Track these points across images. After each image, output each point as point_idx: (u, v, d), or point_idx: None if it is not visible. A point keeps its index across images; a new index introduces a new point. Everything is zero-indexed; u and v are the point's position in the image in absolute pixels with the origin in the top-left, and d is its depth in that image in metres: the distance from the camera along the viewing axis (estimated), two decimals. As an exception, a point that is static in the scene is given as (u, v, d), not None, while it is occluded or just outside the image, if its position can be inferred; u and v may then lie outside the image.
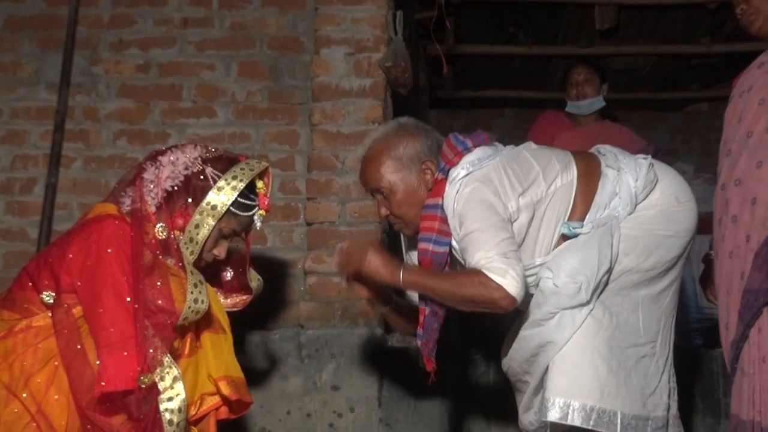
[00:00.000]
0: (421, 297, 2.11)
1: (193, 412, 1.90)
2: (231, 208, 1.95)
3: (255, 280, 2.19)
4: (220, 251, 2.01)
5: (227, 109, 3.37)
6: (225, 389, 1.92)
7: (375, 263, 2.06)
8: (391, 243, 3.04)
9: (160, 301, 1.78)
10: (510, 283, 1.91)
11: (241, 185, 1.95)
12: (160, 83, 3.39)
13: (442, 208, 2.07)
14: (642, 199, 2.10)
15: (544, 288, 2.00)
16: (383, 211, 2.19)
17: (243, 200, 1.98)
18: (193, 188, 1.92)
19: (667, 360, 2.11)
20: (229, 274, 2.16)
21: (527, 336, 2.04)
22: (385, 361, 3.02)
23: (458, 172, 2.08)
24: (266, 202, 2.05)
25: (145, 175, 1.92)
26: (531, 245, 2.08)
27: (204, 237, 1.93)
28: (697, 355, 3.04)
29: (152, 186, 1.91)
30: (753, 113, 1.87)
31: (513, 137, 5.68)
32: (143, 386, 1.72)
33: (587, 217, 2.07)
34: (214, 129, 3.35)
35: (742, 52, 3.92)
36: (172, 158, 1.94)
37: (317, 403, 2.97)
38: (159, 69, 3.40)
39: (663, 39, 4.94)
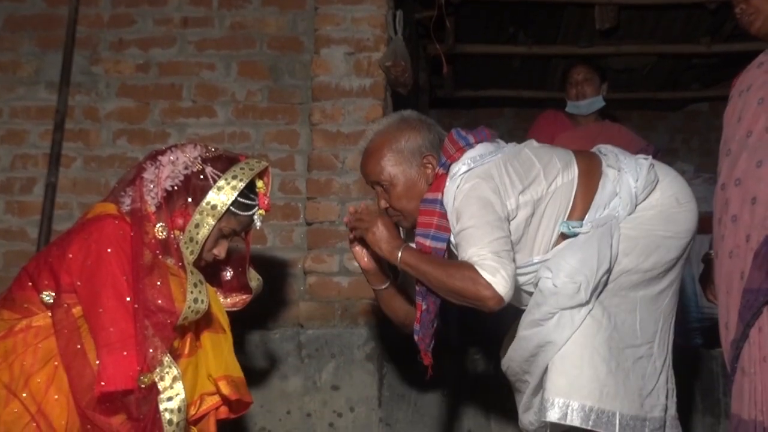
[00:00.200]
0: (418, 292, 2.10)
1: (192, 411, 1.90)
2: (231, 207, 1.95)
3: (255, 279, 2.19)
4: (220, 251, 2.01)
5: (227, 109, 3.37)
6: (225, 389, 1.92)
7: (380, 234, 2.07)
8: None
9: (159, 301, 1.78)
10: (499, 282, 1.91)
11: (241, 185, 1.95)
12: (160, 83, 3.39)
13: (441, 203, 2.07)
14: (642, 200, 2.10)
15: (543, 288, 2.00)
16: (383, 203, 2.18)
17: (243, 200, 1.97)
18: (193, 188, 1.92)
19: (665, 361, 2.10)
20: (228, 274, 2.16)
21: (526, 336, 2.04)
22: (385, 361, 3.03)
23: (459, 168, 2.08)
24: (266, 202, 2.05)
25: (145, 175, 1.92)
26: (530, 243, 2.08)
27: (204, 236, 1.93)
28: (697, 355, 3.04)
29: (152, 186, 1.91)
30: (752, 113, 1.87)
31: (513, 137, 5.63)
32: (143, 386, 1.72)
33: (587, 216, 2.07)
34: (214, 129, 3.35)
35: (742, 52, 3.92)
36: (171, 158, 1.94)
37: (317, 403, 2.97)
38: (159, 68, 3.40)
39: (663, 39, 4.93)
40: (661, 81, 5.68)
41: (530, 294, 2.08)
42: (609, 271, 2.01)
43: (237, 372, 1.98)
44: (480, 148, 2.12)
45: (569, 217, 2.08)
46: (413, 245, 2.11)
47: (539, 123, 3.98)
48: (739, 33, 4.06)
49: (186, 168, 1.93)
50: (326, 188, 3.18)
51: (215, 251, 2.00)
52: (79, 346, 1.74)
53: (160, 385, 1.77)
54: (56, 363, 1.76)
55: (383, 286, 2.25)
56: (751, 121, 1.87)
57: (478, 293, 1.92)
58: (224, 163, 1.98)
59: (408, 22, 3.76)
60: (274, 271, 3.14)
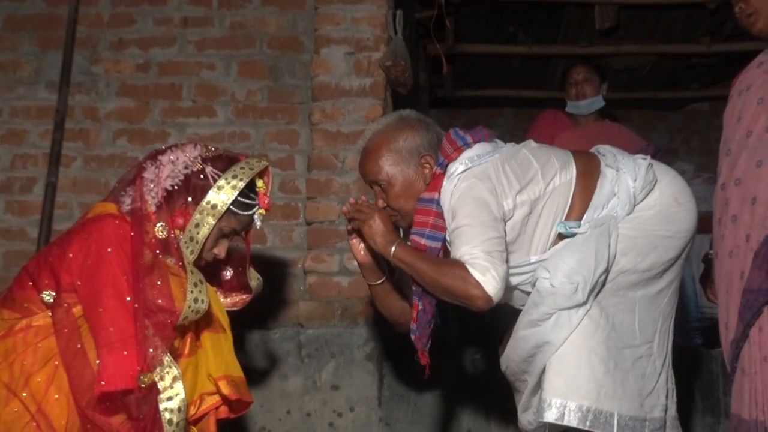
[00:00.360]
0: (415, 292, 2.10)
1: (192, 411, 1.90)
2: (231, 207, 1.95)
3: (255, 279, 2.19)
4: (220, 250, 2.01)
5: (227, 109, 3.37)
6: (225, 389, 1.92)
7: (376, 228, 2.07)
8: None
9: (160, 301, 1.78)
10: (489, 282, 1.91)
11: (241, 184, 1.95)
12: (160, 82, 3.39)
13: (438, 202, 2.07)
14: (641, 200, 2.10)
15: (541, 288, 1.99)
16: (381, 203, 2.19)
17: (243, 199, 1.97)
18: (193, 187, 1.92)
19: (665, 361, 2.10)
20: (228, 274, 2.16)
21: (524, 336, 2.04)
22: (385, 361, 3.03)
23: (456, 168, 2.08)
24: (266, 202, 2.05)
25: (145, 175, 1.92)
26: (527, 243, 2.07)
27: (204, 236, 1.93)
28: (697, 355, 3.05)
29: (152, 185, 1.91)
30: (752, 112, 1.87)
31: (513, 136, 5.64)
32: (143, 386, 1.72)
33: (585, 216, 2.07)
34: (214, 128, 3.35)
35: (742, 52, 3.91)
36: (172, 157, 1.94)
37: (317, 403, 2.98)
38: (159, 68, 3.40)
39: (663, 38, 4.93)
40: (661, 81, 5.68)
41: (527, 294, 2.08)
42: (607, 271, 2.01)
43: (237, 372, 1.98)
44: (478, 148, 2.12)
45: (567, 217, 2.08)
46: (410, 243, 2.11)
47: (539, 123, 3.98)
48: (739, 33, 4.05)
49: (186, 167, 1.93)
50: (326, 188, 3.18)
51: (215, 251, 2.00)
52: (79, 346, 1.74)
53: (160, 385, 1.77)
54: (56, 362, 1.75)
55: (378, 282, 2.25)
56: (751, 120, 1.86)
57: (468, 292, 1.92)
58: (224, 162, 1.98)
59: (408, 21, 3.76)
60: (274, 271, 3.14)
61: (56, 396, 1.74)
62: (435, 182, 2.11)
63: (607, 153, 2.19)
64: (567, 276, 1.96)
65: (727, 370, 1.89)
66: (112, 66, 3.41)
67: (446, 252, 2.10)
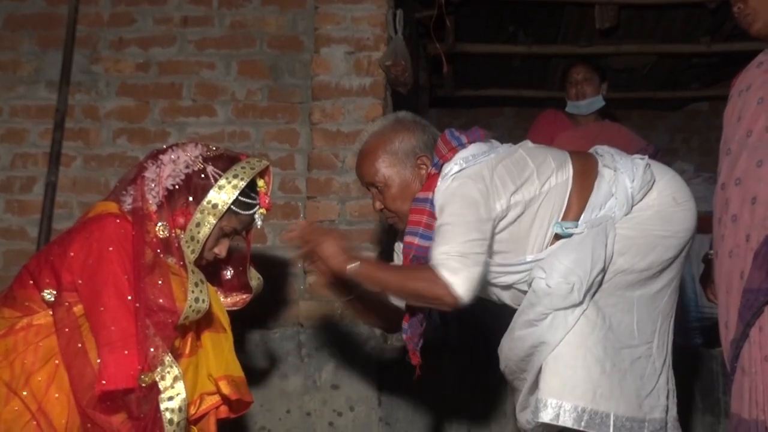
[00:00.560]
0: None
1: (192, 411, 1.90)
2: (232, 206, 1.95)
3: (255, 278, 2.19)
4: (221, 250, 2.01)
5: (227, 108, 3.37)
6: (225, 389, 1.92)
7: (329, 250, 2.03)
8: (391, 240, 3.04)
9: (161, 300, 1.78)
10: (458, 283, 1.93)
11: (242, 184, 1.95)
12: (160, 82, 3.39)
13: (431, 202, 2.07)
14: (639, 200, 2.09)
15: (537, 288, 1.99)
16: (378, 205, 2.20)
17: (244, 199, 1.98)
18: (194, 187, 1.92)
19: (665, 361, 2.09)
20: (229, 273, 2.16)
21: (521, 336, 2.04)
22: (385, 360, 3.03)
23: (451, 168, 2.08)
24: (267, 201, 2.05)
25: (147, 174, 1.92)
26: (522, 243, 2.07)
27: (205, 236, 1.93)
28: (697, 354, 3.04)
29: (153, 185, 1.91)
30: (752, 112, 1.87)
31: (513, 136, 5.68)
32: (144, 385, 1.72)
33: (582, 217, 2.06)
34: (214, 128, 3.35)
35: (742, 51, 3.91)
36: (173, 157, 1.94)
37: (317, 402, 2.98)
38: (159, 68, 3.40)
39: (663, 38, 4.93)
40: (661, 80, 5.68)
41: (523, 293, 2.08)
42: (603, 271, 2.01)
43: (237, 371, 1.98)
44: (473, 149, 2.12)
45: (564, 218, 2.07)
46: (401, 245, 2.11)
47: (539, 122, 3.98)
48: (739, 32, 4.05)
49: (187, 167, 1.93)
50: (326, 187, 3.18)
51: (216, 250, 2.00)
52: (80, 345, 1.74)
53: (161, 385, 1.77)
54: (57, 361, 1.75)
55: (350, 297, 2.24)
56: (751, 120, 1.87)
57: (435, 293, 1.94)
58: (225, 162, 1.98)
59: (408, 21, 3.76)
60: (275, 271, 3.14)
61: (57, 395, 1.74)
62: (430, 182, 2.11)
63: (605, 153, 2.19)
64: (563, 276, 1.96)
65: (727, 370, 1.89)
66: (112, 65, 3.41)
67: None
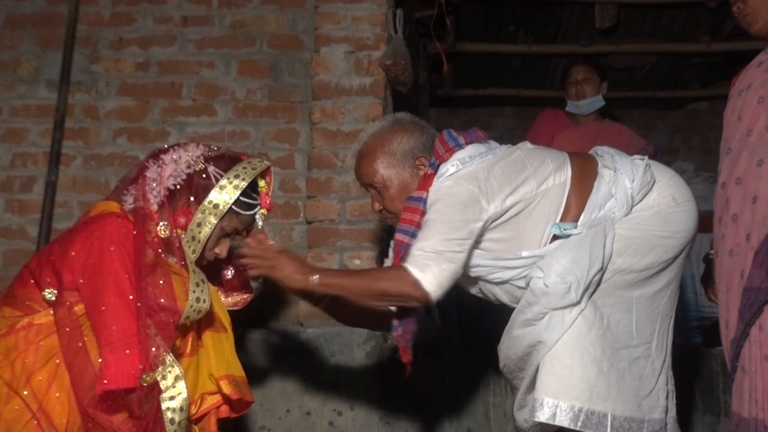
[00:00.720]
0: None
1: (193, 410, 1.90)
2: (233, 206, 1.95)
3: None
4: (222, 250, 2.01)
5: (227, 108, 3.37)
6: (226, 388, 1.92)
7: (284, 271, 2.00)
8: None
9: (162, 300, 1.78)
10: (426, 279, 1.95)
11: (244, 184, 1.95)
12: (160, 81, 3.40)
13: (425, 202, 2.08)
14: (639, 201, 2.09)
15: (535, 288, 1.99)
16: (376, 206, 2.20)
17: (245, 199, 1.97)
18: (196, 187, 1.92)
19: (664, 362, 2.09)
20: (230, 273, 2.16)
21: (519, 335, 2.04)
22: (385, 360, 3.03)
23: (447, 169, 2.08)
24: (268, 201, 2.05)
25: (148, 174, 1.92)
26: (517, 242, 2.06)
27: (206, 235, 1.93)
28: (697, 354, 3.04)
29: (155, 184, 1.91)
30: (752, 111, 1.87)
31: (513, 136, 5.69)
32: (145, 384, 1.71)
33: (581, 218, 2.06)
34: (214, 127, 3.35)
35: (742, 51, 3.92)
36: (174, 156, 1.94)
37: (317, 402, 2.98)
38: (159, 67, 3.40)
39: (663, 37, 4.93)
40: (661, 80, 5.68)
41: (519, 289, 2.08)
42: (602, 271, 2.00)
43: (238, 371, 1.98)
44: (470, 150, 2.12)
45: (563, 219, 2.07)
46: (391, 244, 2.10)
47: (539, 122, 3.98)
48: (739, 32, 4.06)
49: (188, 167, 1.93)
50: (326, 187, 3.18)
51: (217, 250, 2.00)
52: (81, 344, 1.74)
53: (162, 384, 1.77)
54: (58, 361, 1.75)
55: (323, 303, 2.20)
56: (751, 119, 1.87)
57: (402, 290, 1.97)
58: (227, 162, 1.98)
59: (408, 20, 3.76)
60: (275, 270, 3.14)
61: (57, 394, 1.74)
62: (425, 182, 2.11)
63: (604, 154, 2.19)
64: (560, 275, 1.96)
65: (727, 369, 1.90)
66: (112, 65, 3.41)
67: None
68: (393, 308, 2.16)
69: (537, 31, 4.93)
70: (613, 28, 4.60)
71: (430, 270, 1.95)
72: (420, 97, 4.80)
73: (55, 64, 3.39)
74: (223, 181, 1.93)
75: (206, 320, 1.93)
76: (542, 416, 1.95)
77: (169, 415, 1.77)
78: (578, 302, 1.97)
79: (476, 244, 2.05)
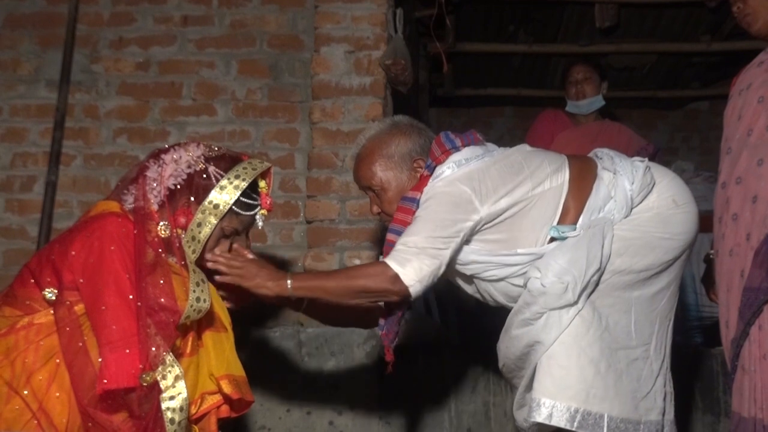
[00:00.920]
0: None
1: (193, 410, 1.90)
2: (233, 207, 1.95)
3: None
4: (222, 250, 2.01)
5: (227, 107, 3.37)
6: (227, 388, 1.92)
7: (255, 280, 1.98)
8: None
9: (162, 300, 1.78)
10: (406, 274, 1.95)
11: (244, 184, 1.95)
12: (160, 81, 3.40)
13: (418, 202, 2.08)
14: (638, 203, 2.09)
15: (532, 288, 1.99)
16: (375, 208, 2.21)
17: (245, 199, 1.97)
18: (196, 187, 1.92)
19: (662, 363, 2.08)
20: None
21: (517, 335, 2.05)
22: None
23: (443, 170, 2.09)
24: (268, 202, 2.05)
25: (148, 173, 1.92)
26: (512, 242, 2.06)
27: (206, 235, 1.93)
28: (697, 353, 3.04)
29: (155, 184, 1.91)
30: (753, 111, 1.87)
31: (513, 135, 5.69)
32: (145, 384, 1.71)
33: (580, 220, 2.06)
34: (214, 127, 3.35)
35: (742, 50, 3.92)
36: (174, 156, 1.94)
37: (317, 401, 2.98)
38: (159, 67, 3.40)
39: (663, 37, 4.94)
40: (661, 79, 5.68)
41: (516, 287, 2.08)
42: (600, 271, 2.00)
43: (239, 371, 1.98)
44: (466, 152, 2.12)
45: (561, 221, 2.07)
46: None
47: (539, 122, 3.98)
48: (739, 31, 4.06)
49: (189, 167, 1.93)
50: (326, 186, 3.18)
51: (217, 250, 2.00)
52: (81, 344, 1.74)
53: (162, 384, 1.76)
54: (58, 360, 1.75)
55: (303, 307, 2.18)
56: (751, 119, 1.87)
57: (380, 285, 1.97)
58: (227, 162, 1.98)
59: (408, 20, 3.76)
60: (275, 270, 3.14)
61: (57, 394, 1.74)
62: (420, 183, 2.12)
63: (604, 156, 2.19)
64: (557, 275, 1.96)
65: (727, 369, 1.90)
66: (112, 64, 3.41)
67: None
68: (381, 304, 2.16)
69: (537, 31, 4.93)
70: (613, 28, 4.60)
71: (410, 264, 1.96)
72: (420, 97, 4.80)
73: (55, 64, 3.39)
74: (224, 182, 1.93)
75: (206, 320, 1.93)
76: (539, 416, 1.95)
77: (169, 414, 1.77)
78: (575, 302, 1.97)
79: (469, 243, 2.06)
